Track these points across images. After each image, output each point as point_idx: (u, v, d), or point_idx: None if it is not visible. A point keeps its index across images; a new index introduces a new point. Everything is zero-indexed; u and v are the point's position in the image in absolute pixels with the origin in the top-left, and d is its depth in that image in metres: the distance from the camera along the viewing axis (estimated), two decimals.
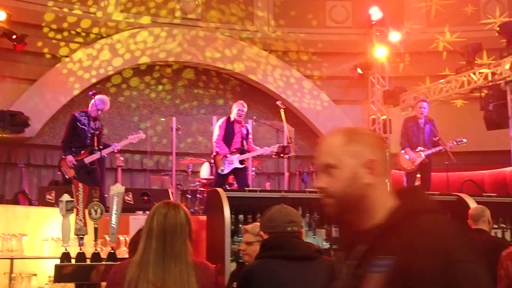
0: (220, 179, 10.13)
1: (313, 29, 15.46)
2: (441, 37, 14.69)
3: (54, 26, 13.63)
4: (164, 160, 14.57)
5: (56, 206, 7.31)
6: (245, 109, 10.25)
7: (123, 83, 14.63)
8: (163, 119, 14.51)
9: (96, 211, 4.68)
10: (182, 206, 3.24)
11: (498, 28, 12.28)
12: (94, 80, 13.77)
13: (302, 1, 15.50)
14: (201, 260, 3.29)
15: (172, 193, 9.37)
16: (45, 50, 13.59)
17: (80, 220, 4.72)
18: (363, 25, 15.19)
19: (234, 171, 10.05)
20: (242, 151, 10.09)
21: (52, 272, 5.76)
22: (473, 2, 14.80)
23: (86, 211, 4.76)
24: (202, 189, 11.41)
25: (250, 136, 10.40)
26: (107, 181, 11.24)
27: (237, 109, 10.16)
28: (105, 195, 9.17)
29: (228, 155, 9.91)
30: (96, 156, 9.29)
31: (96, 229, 4.76)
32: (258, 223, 4.02)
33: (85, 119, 9.44)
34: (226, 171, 9.94)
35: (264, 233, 3.59)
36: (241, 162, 10.08)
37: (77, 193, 4.71)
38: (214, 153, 10.20)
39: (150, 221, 3.18)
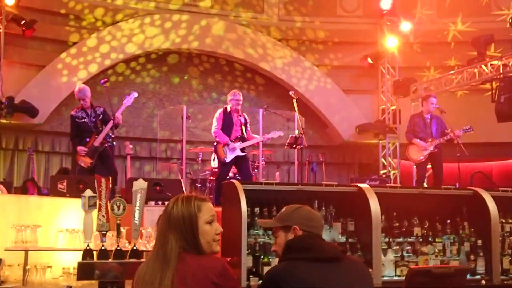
0: (223, 169, 10.09)
1: (324, 18, 15.36)
2: (453, 26, 14.63)
3: (63, 11, 13.56)
4: (174, 148, 14.53)
5: (68, 196, 7.31)
6: (241, 98, 10.17)
7: (132, 70, 14.57)
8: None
9: (119, 207, 4.64)
10: (182, 198, 3.12)
11: (510, 20, 12.16)
12: (102, 67, 13.71)
13: None
14: (209, 257, 3.10)
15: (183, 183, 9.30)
16: (54, 36, 13.52)
17: (103, 216, 4.68)
18: (374, 14, 15.09)
19: (236, 160, 10.00)
20: (242, 139, 10.03)
21: (66, 264, 5.76)
22: None
23: (109, 207, 4.72)
24: (212, 178, 11.40)
25: (248, 125, 10.34)
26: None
27: (233, 99, 10.07)
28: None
29: (229, 143, 9.86)
30: (103, 134, 9.34)
31: (118, 225, 4.71)
32: None
33: (82, 112, 9.54)
34: (228, 159, 9.89)
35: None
36: (242, 150, 10.03)
37: (100, 189, 4.66)
38: (215, 143, 10.15)
39: None
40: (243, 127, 10.10)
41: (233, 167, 10.32)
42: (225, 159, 9.88)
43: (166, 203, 3.19)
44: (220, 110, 10.19)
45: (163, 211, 3.13)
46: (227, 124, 10.02)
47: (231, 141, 9.91)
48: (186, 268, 2.98)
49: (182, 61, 15.01)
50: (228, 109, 10.09)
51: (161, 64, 14.86)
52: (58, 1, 13.51)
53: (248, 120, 10.36)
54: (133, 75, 14.58)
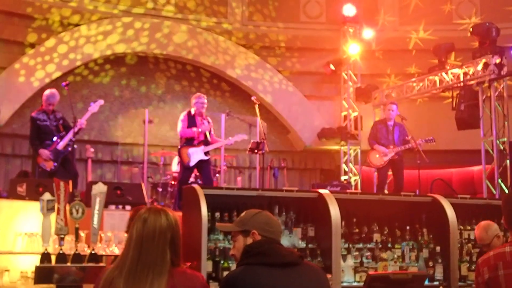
0: (185, 173, 10.03)
1: (287, 24, 15.43)
2: (415, 33, 14.86)
3: (26, 12, 13.38)
4: (135, 152, 14.42)
5: (27, 199, 7.21)
6: (206, 101, 10.08)
7: (94, 73, 14.44)
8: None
9: (77, 210, 4.59)
10: (166, 211, 3.14)
11: (471, 29, 12.36)
12: (64, 69, 13.55)
13: None
14: (187, 269, 3.19)
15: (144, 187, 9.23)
16: (15, 37, 13.34)
17: (61, 219, 4.62)
18: (337, 21, 15.20)
19: (199, 164, 9.93)
20: (206, 143, 9.97)
21: (24, 268, 5.67)
22: (451, 0, 15.02)
23: (67, 210, 4.66)
24: (173, 182, 11.34)
25: (212, 128, 10.25)
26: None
27: (197, 102, 9.97)
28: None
29: (192, 148, 9.78)
30: (66, 138, 9.27)
31: (77, 229, 4.66)
32: None
33: (43, 115, 9.44)
34: (192, 163, 9.81)
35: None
36: (206, 153, 9.98)
37: (58, 192, 4.60)
38: (179, 147, 10.07)
39: (131, 229, 3.11)
40: (206, 131, 10.03)
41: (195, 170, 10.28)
42: (188, 162, 9.80)
43: (143, 214, 3.12)
44: (184, 113, 10.10)
45: (139, 222, 3.07)
46: (190, 127, 9.94)
47: (195, 144, 9.83)
48: (174, 280, 3.03)
49: (149, 67, 14.92)
50: (192, 112, 9.99)
51: (124, 68, 14.74)
52: (20, 2, 13.32)
53: (211, 124, 10.29)
54: (93, 77, 14.43)
